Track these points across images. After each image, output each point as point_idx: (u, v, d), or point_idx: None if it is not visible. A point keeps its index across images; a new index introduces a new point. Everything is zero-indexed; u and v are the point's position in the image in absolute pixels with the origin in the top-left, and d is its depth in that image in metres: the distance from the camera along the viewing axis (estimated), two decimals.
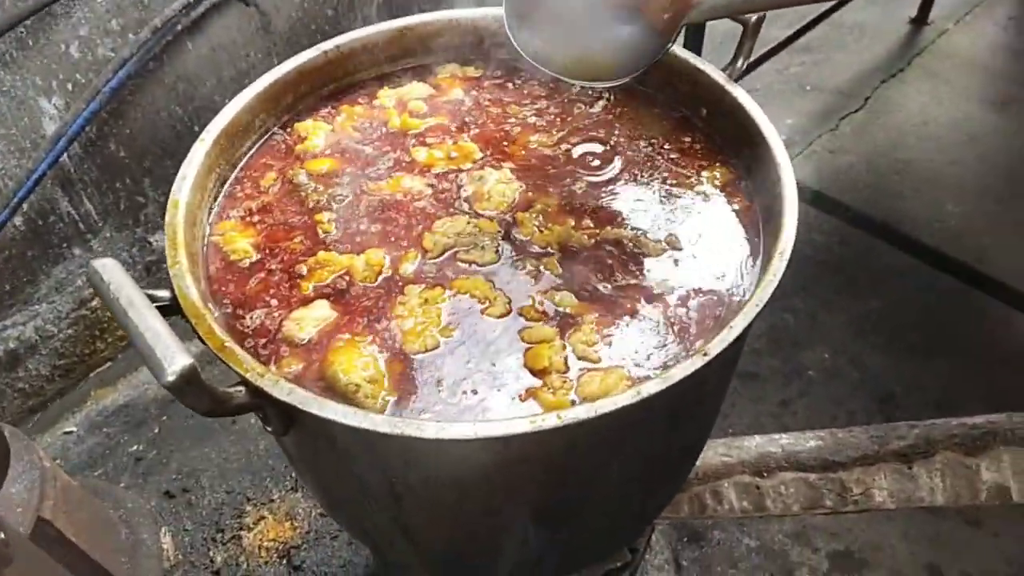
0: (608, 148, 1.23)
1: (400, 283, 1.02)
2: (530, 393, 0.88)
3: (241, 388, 0.79)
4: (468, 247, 1.06)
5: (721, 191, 1.13)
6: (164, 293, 0.87)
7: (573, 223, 1.10)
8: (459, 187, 1.17)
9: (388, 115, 1.30)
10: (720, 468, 1.37)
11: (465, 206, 1.13)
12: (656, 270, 1.04)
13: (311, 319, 0.95)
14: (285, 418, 0.83)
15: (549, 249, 1.06)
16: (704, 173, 1.16)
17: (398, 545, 1.05)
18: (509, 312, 0.98)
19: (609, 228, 1.09)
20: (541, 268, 1.04)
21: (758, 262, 1.02)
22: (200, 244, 1.01)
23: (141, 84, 2.05)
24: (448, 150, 1.23)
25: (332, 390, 0.87)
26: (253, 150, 1.21)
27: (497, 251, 1.06)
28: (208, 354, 0.82)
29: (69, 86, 1.92)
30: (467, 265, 1.04)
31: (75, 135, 1.92)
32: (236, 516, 2.07)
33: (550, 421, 0.74)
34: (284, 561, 1.97)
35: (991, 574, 1.90)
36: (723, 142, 1.19)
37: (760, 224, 1.06)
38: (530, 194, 1.15)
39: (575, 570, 1.20)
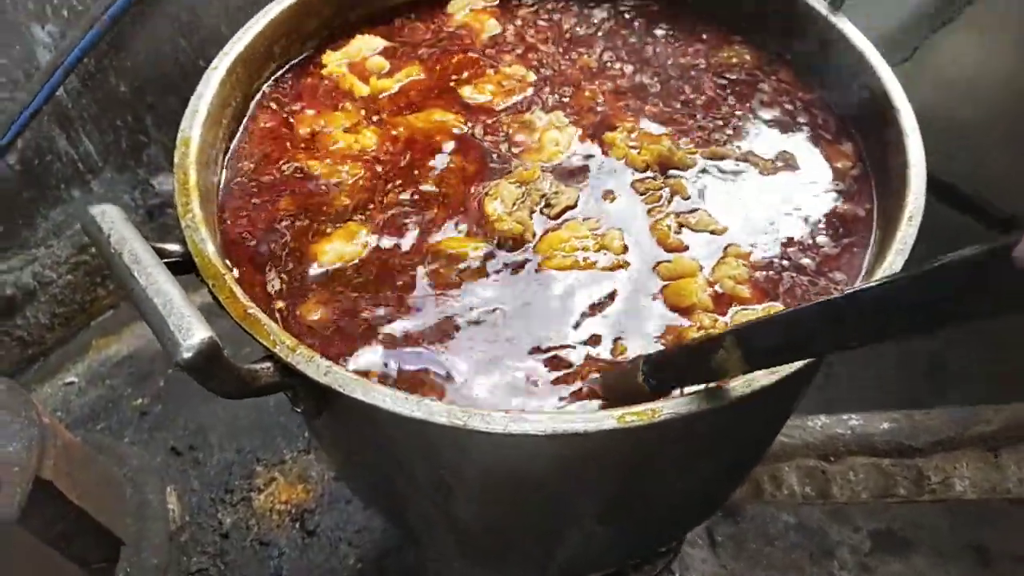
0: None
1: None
2: (675, 334, 0.78)
3: (269, 365, 0.66)
4: (540, 204, 0.91)
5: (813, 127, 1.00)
6: (174, 247, 0.73)
7: (669, 143, 0.97)
8: (506, 137, 1.01)
9: (347, 84, 1.08)
10: (778, 450, 1.25)
11: (508, 163, 0.97)
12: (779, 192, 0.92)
13: None
14: (319, 400, 0.70)
15: (649, 172, 0.93)
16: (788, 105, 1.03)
17: (439, 534, 0.93)
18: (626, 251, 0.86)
19: (714, 147, 0.97)
20: (665, 192, 0.91)
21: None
22: (216, 192, 0.87)
23: (142, 12, 1.88)
24: (497, 80, 1.07)
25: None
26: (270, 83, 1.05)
27: (581, 182, 0.93)
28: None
29: (65, 12, 1.76)
30: (558, 219, 0.90)
31: (72, 66, 1.77)
32: (246, 477, 1.96)
33: (642, 418, 0.61)
34: (297, 525, 1.87)
35: None
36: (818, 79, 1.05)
37: (871, 174, 0.92)
38: (591, 135, 1.00)
39: (630, 559, 1.09)
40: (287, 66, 1.08)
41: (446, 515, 0.83)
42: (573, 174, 0.95)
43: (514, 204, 0.90)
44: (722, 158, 0.96)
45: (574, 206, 0.91)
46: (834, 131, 0.98)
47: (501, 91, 1.06)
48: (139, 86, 1.99)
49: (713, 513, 1.18)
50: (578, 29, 1.16)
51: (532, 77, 1.08)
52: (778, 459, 1.25)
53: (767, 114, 1.01)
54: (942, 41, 3.07)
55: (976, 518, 1.87)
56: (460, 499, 0.79)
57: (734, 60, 1.09)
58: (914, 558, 1.85)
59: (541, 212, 0.90)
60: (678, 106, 1.03)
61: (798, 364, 0.66)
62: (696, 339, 0.67)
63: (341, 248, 0.85)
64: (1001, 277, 0.40)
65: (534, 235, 0.88)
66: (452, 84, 1.07)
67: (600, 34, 1.15)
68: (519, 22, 1.17)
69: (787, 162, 0.96)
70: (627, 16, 1.17)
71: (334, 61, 1.11)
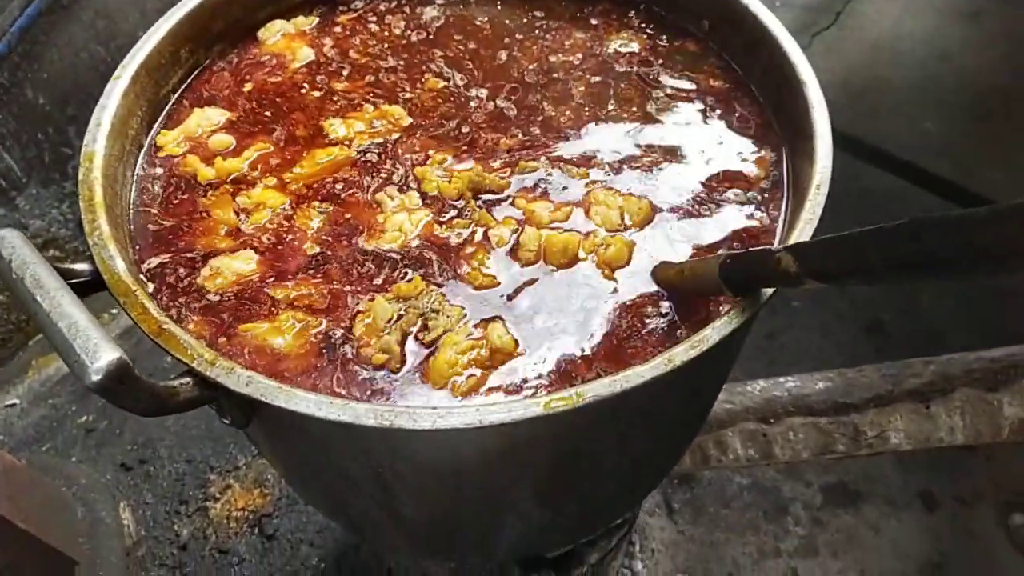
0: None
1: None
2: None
3: (188, 380, 0.65)
4: (420, 326, 0.79)
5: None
6: (83, 266, 0.71)
7: (481, 167, 0.92)
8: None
9: (190, 168, 0.94)
10: (723, 416, 1.27)
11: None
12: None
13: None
14: (245, 410, 0.69)
15: (462, 200, 0.89)
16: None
17: (386, 530, 0.93)
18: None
19: (525, 162, 0.92)
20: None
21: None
22: (126, 208, 0.84)
23: (55, 22, 1.82)
24: (369, 118, 0.99)
25: None
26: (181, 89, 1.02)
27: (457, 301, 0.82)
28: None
29: None
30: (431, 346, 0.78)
31: None
32: (200, 486, 1.93)
33: (567, 403, 0.62)
34: (256, 531, 1.85)
35: (983, 497, 1.88)
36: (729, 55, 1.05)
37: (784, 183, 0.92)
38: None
39: (580, 539, 1.10)
40: (198, 69, 1.05)
41: (388, 511, 0.83)
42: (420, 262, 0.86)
43: (386, 326, 0.77)
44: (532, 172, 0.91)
45: (454, 326, 0.78)
46: (753, 131, 0.95)
47: (368, 131, 0.98)
48: (59, 98, 1.93)
49: (659, 483, 1.21)
50: (411, 34, 1.09)
51: (408, 121, 0.99)
52: (722, 425, 1.27)
53: (670, 119, 0.98)
54: (865, 4, 3.13)
55: (923, 466, 1.94)
56: (399, 494, 0.79)
57: (622, 49, 1.05)
58: (864, 509, 1.91)
59: (415, 338, 0.77)
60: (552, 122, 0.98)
61: (715, 339, 0.67)
62: (760, 251, 0.67)
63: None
64: None
65: (401, 364, 0.76)
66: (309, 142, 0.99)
67: (448, 32, 1.09)
68: (338, 29, 1.11)
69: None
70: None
71: (171, 142, 0.97)
